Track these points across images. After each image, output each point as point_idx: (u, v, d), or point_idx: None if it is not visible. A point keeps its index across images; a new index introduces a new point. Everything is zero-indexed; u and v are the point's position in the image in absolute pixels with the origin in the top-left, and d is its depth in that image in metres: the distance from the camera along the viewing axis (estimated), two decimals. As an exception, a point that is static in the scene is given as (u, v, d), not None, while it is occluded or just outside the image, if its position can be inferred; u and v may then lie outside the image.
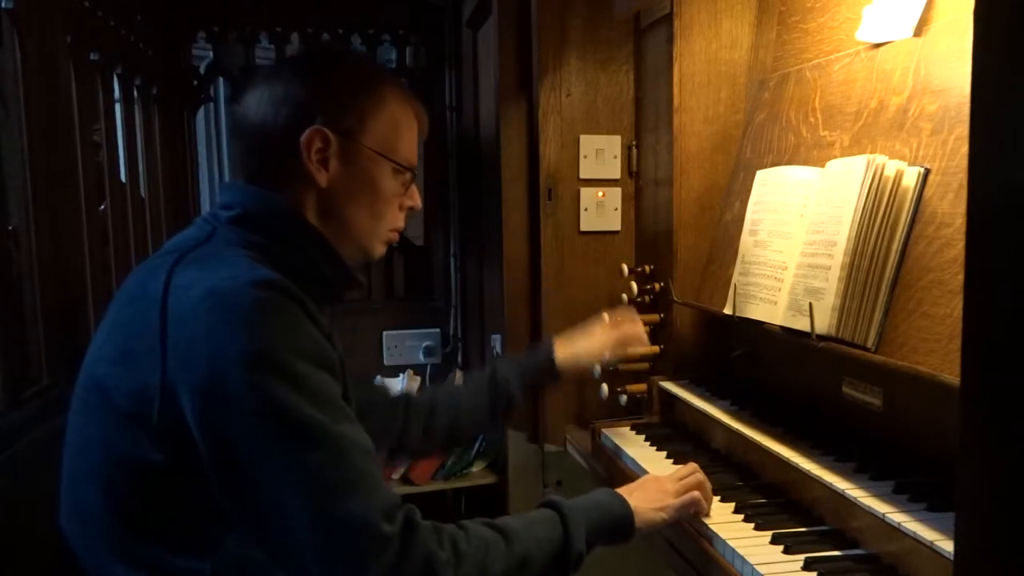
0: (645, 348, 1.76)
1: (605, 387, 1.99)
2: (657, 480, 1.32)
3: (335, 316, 1.24)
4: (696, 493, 1.29)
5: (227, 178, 3.97)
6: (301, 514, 0.94)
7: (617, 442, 1.72)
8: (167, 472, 0.98)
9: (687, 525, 1.30)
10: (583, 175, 2.14)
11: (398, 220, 1.23)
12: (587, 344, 1.65)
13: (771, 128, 1.63)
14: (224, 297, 0.97)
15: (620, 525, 1.21)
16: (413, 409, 1.54)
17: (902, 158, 1.24)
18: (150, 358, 0.97)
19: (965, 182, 0.58)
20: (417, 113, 1.23)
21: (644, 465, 1.54)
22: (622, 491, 1.26)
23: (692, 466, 1.35)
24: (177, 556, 1.00)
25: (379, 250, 1.23)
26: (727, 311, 1.56)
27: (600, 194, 2.15)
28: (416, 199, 1.25)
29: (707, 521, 1.27)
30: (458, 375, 2.95)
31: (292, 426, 0.95)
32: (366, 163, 1.16)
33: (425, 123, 1.25)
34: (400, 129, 1.19)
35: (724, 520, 1.28)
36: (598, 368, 1.82)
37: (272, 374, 0.95)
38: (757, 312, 1.46)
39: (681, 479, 1.30)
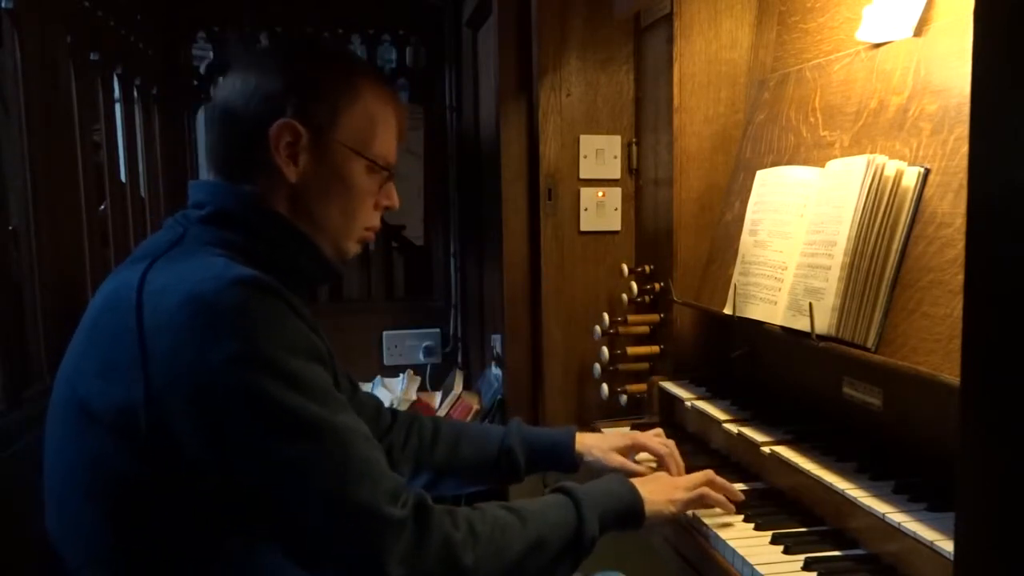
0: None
1: (605, 387, 1.99)
2: (669, 477, 1.35)
3: (336, 314, 1.24)
4: (705, 489, 1.29)
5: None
6: (313, 510, 0.95)
7: (617, 442, 1.71)
8: (157, 485, 0.96)
9: (685, 520, 1.30)
10: (583, 175, 2.15)
11: (373, 219, 1.19)
12: (601, 439, 1.49)
13: (771, 128, 1.63)
14: (203, 301, 0.94)
15: (630, 512, 1.22)
16: (416, 427, 1.48)
17: (902, 158, 1.24)
18: (131, 371, 0.94)
19: (965, 182, 0.58)
20: (396, 109, 1.18)
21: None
22: (633, 481, 1.27)
23: (708, 472, 1.34)
24: (170, 568, 0.99)
25: (353, 249, 1.19)
26: (727, 311, 1.55)
27: (600, 194, 2.15)
28: (393, 198, 1.20)
29: (707, 520, 1.27)
30: (458, 375, 2.95)
31: (292, 424, 0.94)
32: (338, 159, 1.12)
33: (404, 120, 1.21)
34: (376, 125, 1.14)
35: (724, 520, 1.28)
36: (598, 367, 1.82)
37: (264, 374, 0.93)
38: (757, 312, 1.46)
39: (693, 480, 1.31)
